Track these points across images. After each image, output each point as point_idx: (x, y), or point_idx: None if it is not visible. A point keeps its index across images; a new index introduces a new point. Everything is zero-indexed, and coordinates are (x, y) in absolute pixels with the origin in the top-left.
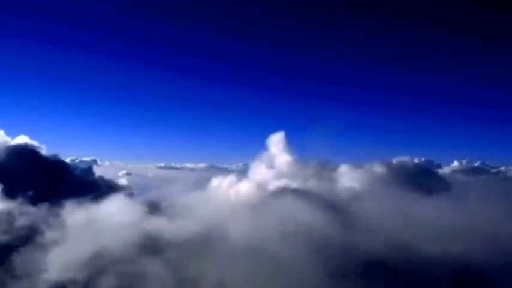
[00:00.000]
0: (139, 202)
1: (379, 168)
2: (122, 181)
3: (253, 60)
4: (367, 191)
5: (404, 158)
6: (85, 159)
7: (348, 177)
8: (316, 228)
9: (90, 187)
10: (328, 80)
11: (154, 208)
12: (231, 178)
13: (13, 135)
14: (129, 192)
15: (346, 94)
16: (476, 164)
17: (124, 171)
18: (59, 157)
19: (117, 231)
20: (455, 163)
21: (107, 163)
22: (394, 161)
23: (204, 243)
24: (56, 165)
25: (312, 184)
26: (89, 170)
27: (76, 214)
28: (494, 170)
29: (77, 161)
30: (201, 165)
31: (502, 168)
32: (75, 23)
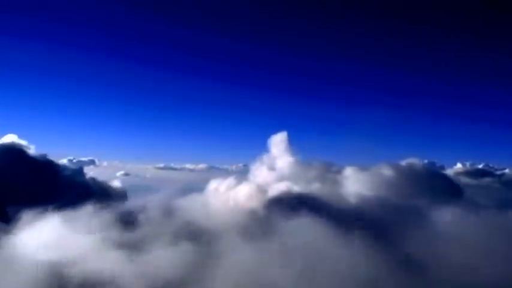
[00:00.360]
0: (113, 213)
1: (386, 171)
2: (116, 183)
3: (254, 59)
4: (381, 199)
5: (413, 160)
6: (83, 159)
7: (354, 181)
8: (337, 254)
9: (78, 190)
10: (330, 80)
11: (128, 222)
12: (230, 181)
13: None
14: (122, 195)
15: (347, 94)
16: (480, 166)
17: (122, 172)
18: (48, 157)
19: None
20: (459, 165)
21: (105, 163)
22: (403, 163)
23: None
24: (43, 166)
25: (315, 187)
26: (79, 171)
27: (30, 230)
28: (498, 173)
29: (74, 161)
30: (201, 166)
31: (507, 171)
32: (72, 20)
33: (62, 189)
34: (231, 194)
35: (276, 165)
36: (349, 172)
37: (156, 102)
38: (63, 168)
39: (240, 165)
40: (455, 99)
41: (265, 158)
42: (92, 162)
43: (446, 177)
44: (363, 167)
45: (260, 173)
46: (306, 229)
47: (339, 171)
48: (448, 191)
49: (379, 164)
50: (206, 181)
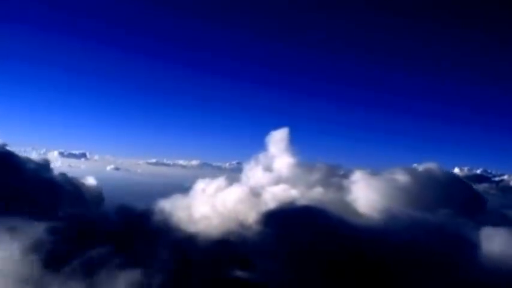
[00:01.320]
0: None
1: (401, 177)
2: (91, 180)
3: (254, 55)
4: (399, 211)
5: (431, 165)
6: (74, 152)
7: (363, 187)
8: None
9: (42, 187)
10: (334, 80)
11: None
12: (220, 181)
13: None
14: (96, 195)
15: (344, 93)
16: (478, 171)
17: (112, 166)
18: (7, 147)
19: None
20: (456, 169)
21: (96, 157)
22: (420, 168)
23: None
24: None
25: (317, 193)
26: (45, 165)
27: None
28: (496, 179)
29: (65, 153)
30: (194, 162)
31: (505, 177)
32: (65, 6)
33: (20, 186)
34: (219, 197)
35: (274, 166)
36: (357, 176)
37: (152, 97)
38: (25, 161)
39: (234, 162)
40: (455, 102)
41: (261, 157)
42: (83, 155)
43: (468, 186)
44: (373, 172)
45: (255, 173)
46: None
47: (346, 176)
48: (472, 202)
49: (392, 169)
50: (196, 179)
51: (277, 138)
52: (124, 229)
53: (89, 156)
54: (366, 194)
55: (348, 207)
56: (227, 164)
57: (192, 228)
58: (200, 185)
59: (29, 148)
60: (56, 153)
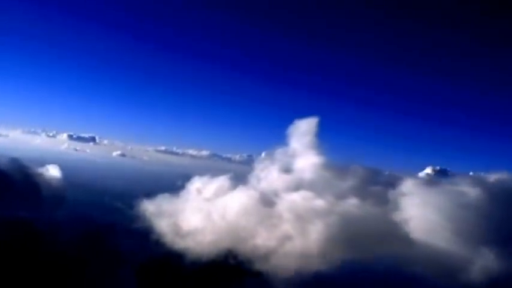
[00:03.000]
0: None
1: (470, 190)
2: (53, 171)
3: (273, 47)
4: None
5: (504, 175)
6: (84, 135)
7: (417, 202)
8: None
9: None
10: (358, 78)
11: None
12: (221, 181)
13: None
14: (56, 192)
15: (346, 92)
16: None
17: (119, 152)
18: None
19: None
20: (471, 174)
21: (105, 141)
22: (491, 178)
23: None
24: None
25: (351, 204)
26: None
27: None
28: None
29: (75, 136)
30: (204, 152)
31: None
32: None
33: None
34: (219, 202)
35: (294, 166)
36: (408, 187)
37: (167, 85)
38: None
39: (245, 155)
40: (470, 108)
41: (278, 153)
42: (93, 139)
43: None
44: (430, 181)
45: (268, 174)
46: None
47: (392, 184)
48: None
49: (455, 178)
50: (201, 171)
51: (302, 130)
52: (81, 244)
53: (98, 140)
54: (421, 212)
55: (395, 229)
56: (237, 156)
57: (177, 244)
58: (196, 184)
59: (39, 129)
60: (65, 135)
